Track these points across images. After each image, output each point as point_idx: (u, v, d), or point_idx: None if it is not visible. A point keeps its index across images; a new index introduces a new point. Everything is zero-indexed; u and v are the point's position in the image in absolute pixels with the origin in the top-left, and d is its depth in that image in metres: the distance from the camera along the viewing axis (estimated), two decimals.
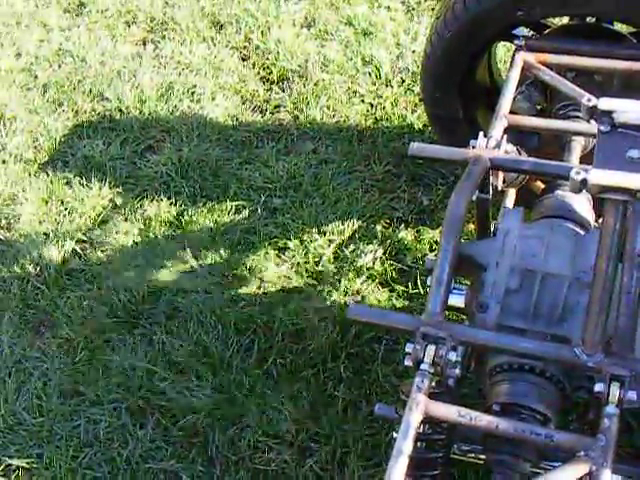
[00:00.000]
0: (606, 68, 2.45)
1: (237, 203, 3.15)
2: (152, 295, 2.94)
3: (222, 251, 3.03)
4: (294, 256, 2.97)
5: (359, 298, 2.80)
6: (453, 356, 1.77)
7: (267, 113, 3.46)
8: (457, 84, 2.65)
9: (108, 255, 3.09)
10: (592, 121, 1.95)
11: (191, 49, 3.73)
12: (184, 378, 2.72)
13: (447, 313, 2.54)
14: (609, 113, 1.70)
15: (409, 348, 1.79)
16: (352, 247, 2.96)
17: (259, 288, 2.91)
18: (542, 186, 2.54)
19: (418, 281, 2.82)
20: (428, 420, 1.78)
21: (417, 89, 3.35)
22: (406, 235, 2.97)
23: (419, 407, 1.72)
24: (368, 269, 2.89)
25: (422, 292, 2.77)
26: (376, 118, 3.34)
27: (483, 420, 1.72)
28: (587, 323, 1.76)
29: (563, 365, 1.85)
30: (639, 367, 1.74)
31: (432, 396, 1.77)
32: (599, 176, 1.59)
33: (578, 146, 2.39)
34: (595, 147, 1.71)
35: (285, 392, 2.64)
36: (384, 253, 2.93)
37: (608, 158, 1.66)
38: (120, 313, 2.89)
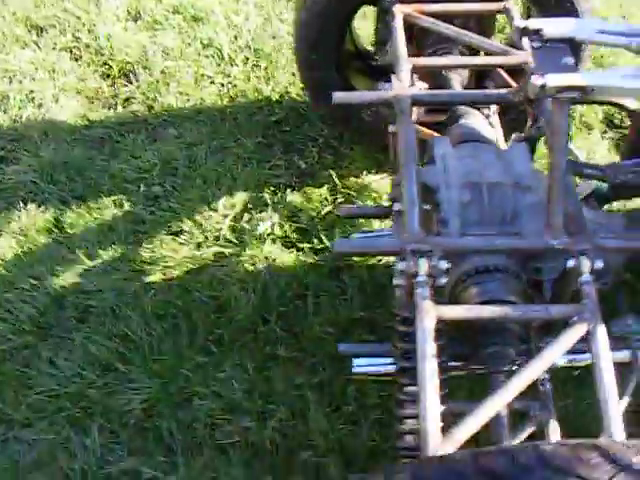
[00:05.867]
0: (464, 11, 2.72)
1: (115, 197, 3.08)
2: (56, 303, 2.81)
3: (114, 246, 2.95)
4: (192, 237, 2.97)
5: (270, 262, 2.86)
6: (443, 264, 1.93)
7: (119, 107, 3.40)
8: (331, 47, 2.81)
9: None
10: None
11: (15, 55, 3.57)
12: (115, 374, 2.63)
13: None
14: (538, 31, 1.96)
15: (402, 266, 1.91)
16: (248, 217, 3.00)
17: (165, 274, 2.87)
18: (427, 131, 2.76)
19: (322, 236, 2.91)
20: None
21: (263, 64, 3.46)
22: (295, 198, 3.06)
23: (430, 313, 1.86)
24: (269, 235, 2.94)
25: (329, 246, 2.87)
26: (231, 96, 3.40)
27: (489, 310, 1.89)
28: (549, 212, 1.98)
29: (533, 253, 2.07)
30: (596, 240, 2.00)
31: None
32: (556, 79, 1.82)
33: (457, 77, 2.65)
34: (533, 60, 1.95)
35: (226, 363, 2.63)
36: (280, 217, 2.99)
37: (546, 67, 1.90)
38: (26, 327, 2.74)
